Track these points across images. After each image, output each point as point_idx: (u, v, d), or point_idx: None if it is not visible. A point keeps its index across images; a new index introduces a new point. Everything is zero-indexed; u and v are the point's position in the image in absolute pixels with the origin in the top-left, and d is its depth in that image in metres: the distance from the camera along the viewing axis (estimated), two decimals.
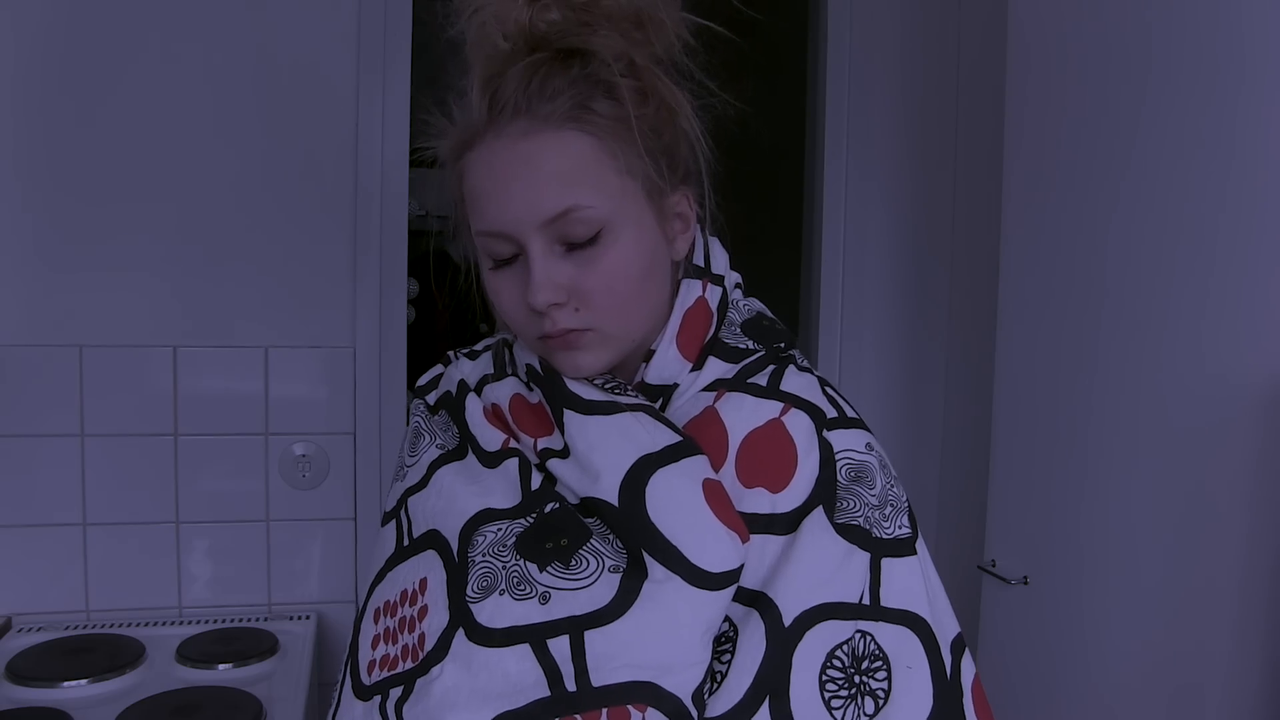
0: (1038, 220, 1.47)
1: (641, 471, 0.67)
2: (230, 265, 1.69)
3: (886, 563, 0.69)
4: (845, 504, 0.70)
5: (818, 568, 0.67)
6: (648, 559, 0.65)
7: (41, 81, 1.61)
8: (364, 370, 1.75)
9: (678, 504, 0.67)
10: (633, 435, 0.69)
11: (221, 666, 1.49)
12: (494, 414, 0.77)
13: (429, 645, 0.67)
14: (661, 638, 0.64)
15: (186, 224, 1.67)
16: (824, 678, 0.65)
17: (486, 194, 0.69)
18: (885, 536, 0.70)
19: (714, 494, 0.68)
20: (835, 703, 0.65)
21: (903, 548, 0.70)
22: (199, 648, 1.54)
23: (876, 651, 0.67)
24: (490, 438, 0.76)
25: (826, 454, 0.72)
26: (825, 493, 0.70)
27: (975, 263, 1.90)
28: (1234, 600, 1.18)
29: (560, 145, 0.68)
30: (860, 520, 0.69)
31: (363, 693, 0.71)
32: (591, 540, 0.68)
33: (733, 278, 0.81)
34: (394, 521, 0.78)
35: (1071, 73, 1.40)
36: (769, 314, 0.82)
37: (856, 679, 0.66)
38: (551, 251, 0.69)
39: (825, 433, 0.73)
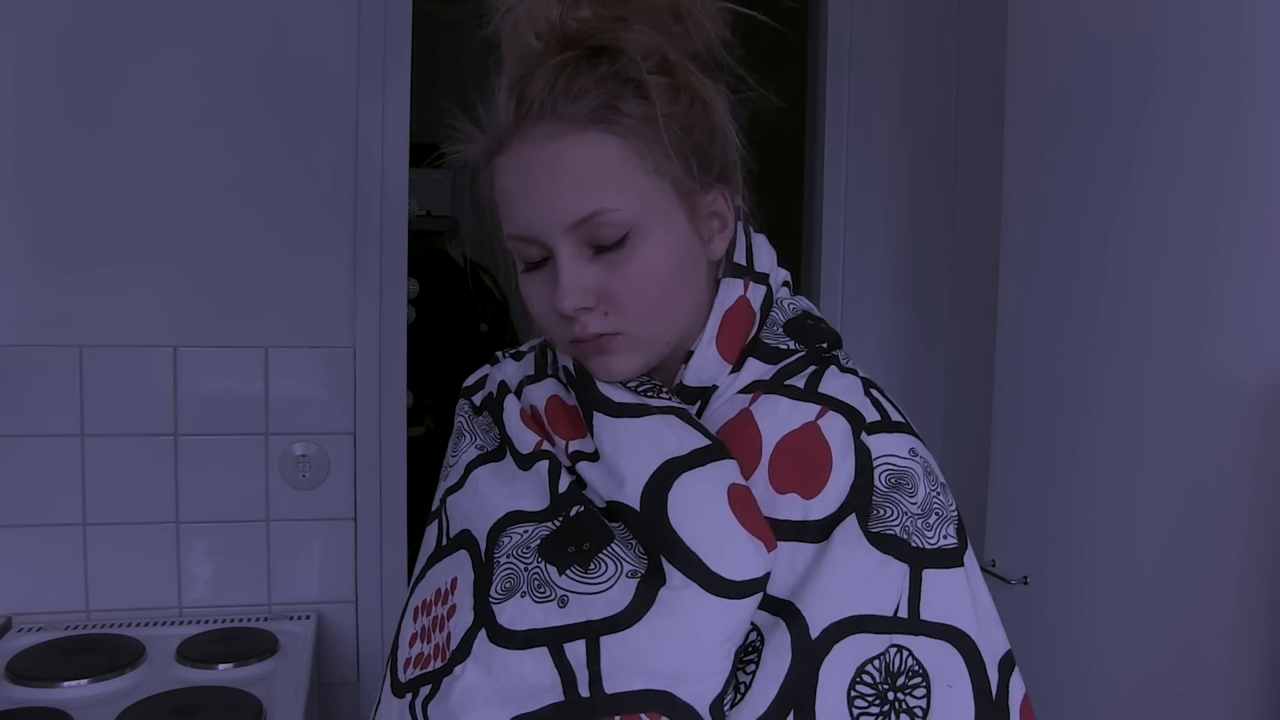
0: (1038, 219, 1.47)
1: (666, 476, 0.66)
2: (230, 265, 1.69)
3: (928, 574, 0.66)
4: (882, 512, 0.67)
5: (848, 578, 0.65)
6: (666, 565, 0.64)
7: (41, 82, 1.61)
8: (364, 370, 1.75)
9: (700, 509, 0.65)
10: (660, 439, 0.68)
11: (221, 666, 1.49)
12: (530, 416, 0.77)
13: (454, 645, 0.67)
14: (677, 646, 0.63)
15: (187, 224, 1.67)
16: (853, 693, 0.62)
17: (514, 198, 0.69)
18: (927, 547, 0.67)
19: (739, 500, 0.66)
20: (865, 719, 0.62)
21: (947, 559, 0.67)
22: (199, 648, 1.54)
23: (915, 667, 0.63)
24: (525, 439, 0.75)
25: (864, 459, 0.69)
26: (860, 500, 0.67)
27: (974, 263, 1.90)
28: (1233, 600, 1.18)
29: (585, 147, 0.66)
30: (898, 529, 0.67)
31: (399, 690, 0.71)
32: (613, 545, 0.66)
33: (780, 275, 0.79)
34: (436, 521, 0.78)
35: (1072, 74, 1.40)
36: (815, 312, 0.79)
37: (890, 695, 0.63)
38: (579, 255, 0.68)
39: (864, 437, 0.70)
